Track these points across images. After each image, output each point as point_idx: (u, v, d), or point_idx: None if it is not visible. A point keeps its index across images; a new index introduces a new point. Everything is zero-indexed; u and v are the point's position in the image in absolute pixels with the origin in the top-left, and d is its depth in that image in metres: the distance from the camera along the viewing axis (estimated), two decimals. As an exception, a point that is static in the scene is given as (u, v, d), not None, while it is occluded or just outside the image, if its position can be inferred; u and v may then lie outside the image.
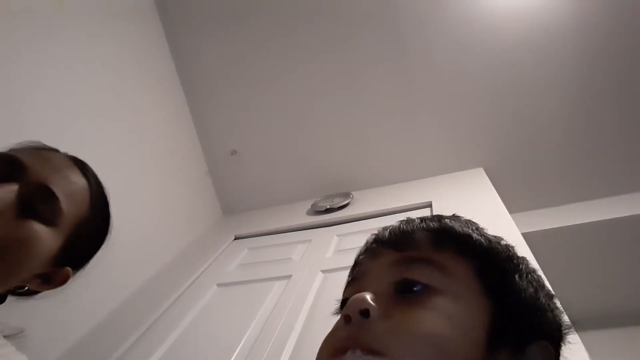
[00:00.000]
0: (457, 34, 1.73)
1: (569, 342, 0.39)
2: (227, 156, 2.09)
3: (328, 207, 1.80)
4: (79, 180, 0.61)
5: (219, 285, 1.45)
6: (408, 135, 1.90)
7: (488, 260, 0.40)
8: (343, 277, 0.46)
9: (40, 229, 0.54)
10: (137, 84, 1.76)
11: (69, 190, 0.58)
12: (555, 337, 0.38)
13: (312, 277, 1.33)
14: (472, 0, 1.68)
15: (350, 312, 0.35)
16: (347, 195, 1.87)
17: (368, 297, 0.35)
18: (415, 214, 0.47)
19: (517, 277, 0.39)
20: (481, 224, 0.45)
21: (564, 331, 0.39)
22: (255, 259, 1.60)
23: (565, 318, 0.40)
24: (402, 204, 1.66)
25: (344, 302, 0.42)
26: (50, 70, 1.35)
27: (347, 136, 1.95)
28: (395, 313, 0.35)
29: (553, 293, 0.41)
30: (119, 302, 1.42)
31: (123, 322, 1.31)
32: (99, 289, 1.31)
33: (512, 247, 0.43)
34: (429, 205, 1.60)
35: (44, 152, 0.61)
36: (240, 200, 2.14)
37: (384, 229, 0.45)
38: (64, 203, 0.57)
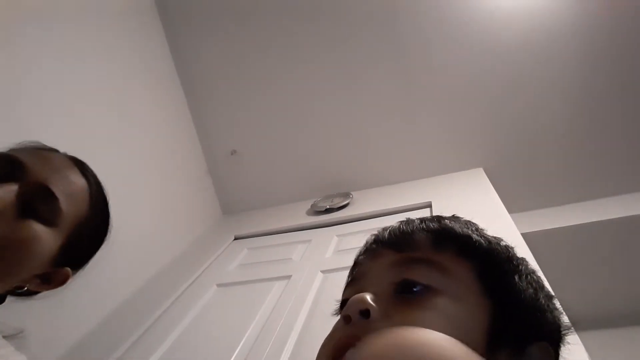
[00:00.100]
0: (457, 34, 1.73)
1: (569, 343, 0.39)
2: (227, 156, 2.09)
3: (328, 207, 1.80)
4: (78, 181, 0.61)
5: (218, 285, 1.45)
6: (408, 136, 1.90)
7: (488, 261, 0.40)
8: (343, 277, 0.46)
9: (39, 229, 0.54)
10: (137, 84, 1.76)
11: (69, 191, 0.58)
12: (554, 338, 0.38)
13: (312, 277, 1.33)
14: (472, 1, 1.68)
15: (350, 312, 0.35)
16: (346, 195, 1.87)
17: (368, 297, 0.35)
18: (415, 214, 0.47)
19: (517, 278, 0.39)
20: (481, 225, 0.45)
21: (564, 332, 0.39)
22: (255, 259, 1.60)
23: (565, 319, 0.40)
24: (402, 204, 1.66)
25: (343, 303, 0.42)
26: (49, 70, 1.35)
27: (347, 136, 1.95)
28: (395, 314, 0.35)
29: (552, 294, 0.41)
30: (119, 302, 1.42)
31: (123, 322, 1.31)
32: (98, 289, 1.31)
33: (512, 248, 0.43)
34: (429, 205, 1.60)
35: (43, 152, 0.61)
36: (240, 200, 2.14)
37: (384, 229, 0.45)
38: (64, 203, 0.57)
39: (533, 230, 1.68)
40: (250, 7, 1.89)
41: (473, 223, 0.45)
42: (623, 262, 1.67)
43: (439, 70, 1.79)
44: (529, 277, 0.40)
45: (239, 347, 1.09)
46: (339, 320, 0.38)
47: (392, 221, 0.46)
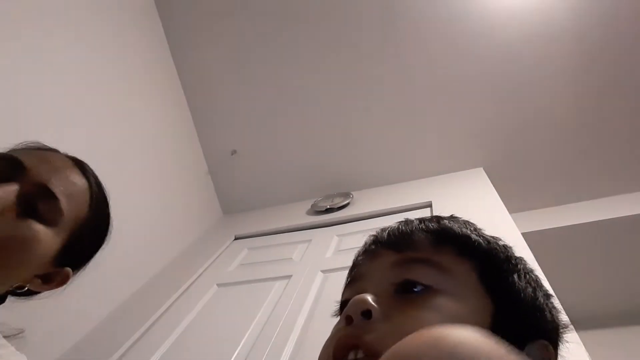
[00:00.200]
0: (457, 34, 1.73)
1: (568, 342, 0.39)
2: (227, 156, 2.09)
3: (328, 207, 1.80)
4: (79, 181, 0.61)
5: (219, 285, 1.45)
6: (408, 135, 1.90)
7: (487, 260, 0.40)
8: (343, 277, 0.46)
9: (40, 230, 0.54)
10: (137, 84, 1.76)
11: (69, 191, 0.58)
12: (553, 336, 0.38)
13: (312, 277, 1.33)
14: (472, 2, 1.68)
15: (351, 313, 0.35)
16: (347, 195, 1.87)
17: (369, 298, 0.35)
18: (415, 214, 0.47)
19: (516, 277, 0.39)
20: (480, 224, 0.45)
21: (562, 330, 0.39)
22: (255, 259, 1.60)
23: (563, 317, 0.40)
24: (402, 204, 1.66)
25: (343, 304, 0.42)
26: (49, 70, 1.35)
27: (347, 136, 1.95)
28: (396, 314, 0.35)
29: (551, 292, 0.41)
30: (119, 302, 1.42)
31: (123, 322, 1.32)
32: (99, 289, 1.31)
33: (510, 247, 0.43)
34: (429, 205, 1.60)
35: (44, 152, 0.61)
36: (241, 200, 2.14)
37: (383, 230, 0.45)
38: (64, 203, 0.57)
39: (533, 229, 1.68)
40: (251, 8, 1.89)
41: (471, 223, 0.45)
42: (622, 262, 1.67)
43: (439, 70, 1.79)
44: (527, 276, 0.40)
45: (240, 347, 1.09)
46: (340, 321, 0.38)
47: (393, 221, 0.46)
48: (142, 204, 1.63)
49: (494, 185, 1.62)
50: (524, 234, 1.22)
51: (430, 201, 1.60)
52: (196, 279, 1.52)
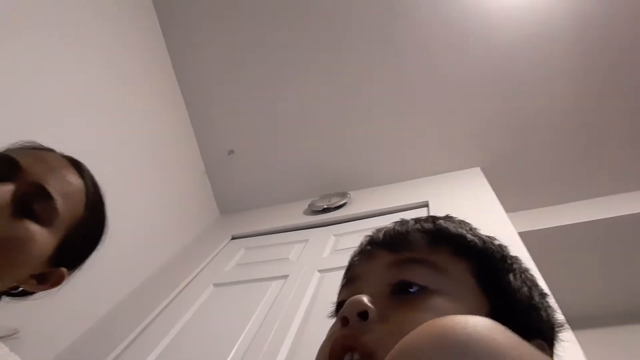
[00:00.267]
0: (455, 34, 1.73)
1: (563, 341, 0.39)
2: (224, 156, 2.08)
3: (325, 206, 1.80)
4: (75, 181, 0.60)
5: (215, 285, 1.45)
6: (405, 135, 1.90)
7: (483, 260, 0.40)
8: (340, 276, 0.46)
9: (35, 229, 0.54)
10: (135, 84, 1.76)
11: (65, 191, 0.58)
12: (549, 335, 0.38)
13: (309, 276, 1.33)
14: (470, 2, 1.69)
15: (347, 314, 0.35)
16: (344, 195, 1.87)
17: (365, 299, 0.35)
18: (412, 214, 0.47)
19: (511, 276, 0.39)
20: (477, 224, 0.45)
21: (558, 329, 0.39)
22: (252, 258, 1.60)
23: (559, 316, 0.40)
24: (399, 204, 1.66)
25: (339, 305, 0.42)
26: (47, 70, 1.35)
27: (344, 136, 1.96)
28: (393, 315, 0.35)
29: (546, 292, 0.41)
30: (115, 302, 1.41)
31: (120, 322, 1.31)
32: (95, 289, 1.30)
33: (506, 246, 0.43)
34: (426, 205, 1.60)
35: (39, 152, 0.61)
36: (238, 200, 2.14)
37: (378, 230, 0.45)
38: (60, 203, 0.56)
39: (530, 229, 1.68)
40: (250, 8, 1.89)
41: (467, 223, 0.45)
42: (619, 261, 1.68)
43: (437, 70, 1.79)
44: (523, 275, 0.40)
45: (236, 347, 1.09)
46: (336, 322, 0.38)
47: (390, 221, 0.46)
48: (138, 204, 1.62)
49: (491, 185, 1.62)
50: (521, 234, 1.22)
51: (427, 201, 1.61)
52: (193, 278, 1.52)
